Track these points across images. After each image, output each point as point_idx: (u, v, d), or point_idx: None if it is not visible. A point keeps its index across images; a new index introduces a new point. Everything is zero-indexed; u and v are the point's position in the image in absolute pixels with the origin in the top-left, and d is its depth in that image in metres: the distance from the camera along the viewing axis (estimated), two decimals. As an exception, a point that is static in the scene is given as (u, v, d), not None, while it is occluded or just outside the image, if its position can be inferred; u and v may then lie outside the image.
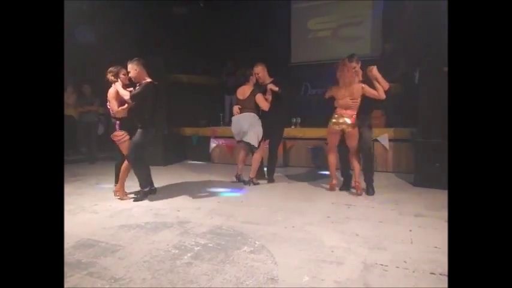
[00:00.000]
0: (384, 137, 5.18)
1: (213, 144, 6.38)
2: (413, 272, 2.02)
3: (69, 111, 6.44)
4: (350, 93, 3.65)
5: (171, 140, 6.33)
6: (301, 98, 7.35)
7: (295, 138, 5.84)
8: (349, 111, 3.66)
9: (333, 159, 3.98)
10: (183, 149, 6.68)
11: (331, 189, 3.96)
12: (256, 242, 2.50)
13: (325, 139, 5.54)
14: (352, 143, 3.75)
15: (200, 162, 6.38)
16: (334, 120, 3.71)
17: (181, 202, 3.67)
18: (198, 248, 2.41)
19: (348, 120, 3.65)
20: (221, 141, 6.31)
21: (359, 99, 3.65)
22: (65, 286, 1.89)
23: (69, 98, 6.52)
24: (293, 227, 2.82)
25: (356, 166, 3.82)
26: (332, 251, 2.32)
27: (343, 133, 3.73)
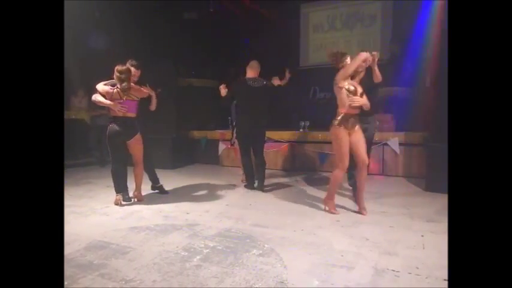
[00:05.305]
0: (394, 141, 5.13)
1: (221, 147, 6.42)
2: (427, 278, 1.98)
3: (81, 114, 6.54)
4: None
5: (180, 143, 6.37)
6: (309, 102, 7.35)
7: (303, 142, 5.82)
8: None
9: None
10: (192, 152, 6.72)
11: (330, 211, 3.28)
12: (265, 245, 2.49)
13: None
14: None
15: (209, 165, 6.41)
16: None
17: (190, 205, 3.68)
18: (207, 250, 2.41)
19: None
20: (229, 144, 6.34)
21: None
22: (77, 287, 1.92)
23: (81, 101, 6.62)
24: (302, 230, 2.81)
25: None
26: (342, 255, 2.30)
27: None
